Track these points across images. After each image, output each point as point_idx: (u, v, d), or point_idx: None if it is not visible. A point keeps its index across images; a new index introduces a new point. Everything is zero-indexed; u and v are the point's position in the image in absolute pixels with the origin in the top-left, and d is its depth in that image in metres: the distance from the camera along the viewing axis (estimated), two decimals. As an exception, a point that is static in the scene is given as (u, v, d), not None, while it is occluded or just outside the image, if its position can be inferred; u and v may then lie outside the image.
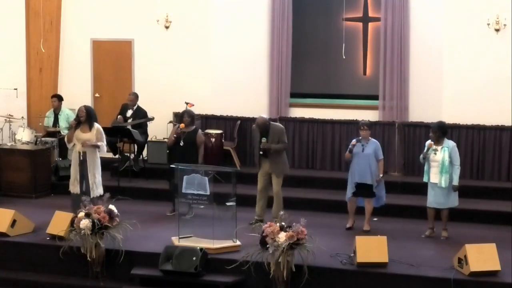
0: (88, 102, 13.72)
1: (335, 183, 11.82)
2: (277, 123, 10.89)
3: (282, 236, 8.39)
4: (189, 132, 10.84)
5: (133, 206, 11.22)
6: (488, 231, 10.31)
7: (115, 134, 12.38)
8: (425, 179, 10.10)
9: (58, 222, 9.71)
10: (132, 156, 12.95)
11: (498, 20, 12.27)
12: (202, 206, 9.73)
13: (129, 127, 12.68)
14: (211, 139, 12.60)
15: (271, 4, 13.53)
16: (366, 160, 10.17)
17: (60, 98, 13.55)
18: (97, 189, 10.28)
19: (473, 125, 12.44)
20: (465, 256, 8.45)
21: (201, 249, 8.92)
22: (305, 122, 13.23)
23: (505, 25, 12.27)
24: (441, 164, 9.86)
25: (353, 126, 12.57)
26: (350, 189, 10.30)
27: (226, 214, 9.35)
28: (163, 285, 8.98)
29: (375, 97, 13.21)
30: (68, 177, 10.72)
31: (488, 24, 12.28)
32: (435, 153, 9.93)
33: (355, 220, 10.41)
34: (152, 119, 13.02)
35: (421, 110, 12.82)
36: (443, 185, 9.84)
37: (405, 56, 12.96)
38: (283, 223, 8.54)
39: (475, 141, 12.43)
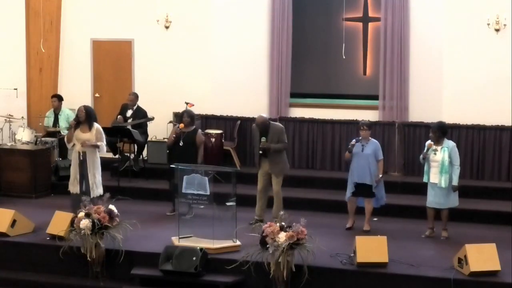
0: (88, 102, 13.73)
1: (335, 183, 11.81)
2: (277, 123, 10.88)
3: (282, 236, 8.39)
4: (188, 132, 10.84)
5: (133, 206, 11.23)
6: (488, 231, 10.31)
7: (115, 134, 12.38)
8: (425, 179, 10.10)
9: (58, 222, 9.71)
10: (132, 156, 12.95)
11: (498, 20, 12.27)
12: (202, 206, 9.73)
13: (129, 127, 12.68)
14: (211, 139, 12.60)
15: (271, 4, 13.53)
16: (365, 160, 10.17)
17: (60, 98, 13.55)
18: (97, 189, 10.28)
19: (473, 125, 12.44)
20: (465, 256, 8.45)
21: (201, 249, 8.92)
22: (305, 122, 13.23)
23: (505, 25, 12.27)
24: (441, 164, 9.86)
25: (353, 126, 12.58)
26: (349, 189, 10.30)
27: (226, 214, 9.35)
28: (163, 285, 8.98)
29: (375, 97, 13.21)
30: (68, 177, 10.72)
31: (488, 24, 12.29)
32: (435, 153, 9.93)
33: (355, 220, 10.41)
34: (152, 119, 13.02)
35: (421, 110, 12.82)
36: (443, 185, 9.85)
37: (405, 56, 12.96)
38: (283, 223, 8.54)
39: (475, 141, 12.43)
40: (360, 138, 10.30)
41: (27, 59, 14.33)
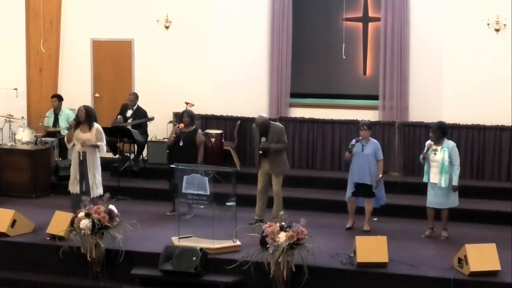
0: (88, 102, 13.72)
1: (335, 183, 11.81)
2: (277, 123, 10.87)
3: (282, 236, 8.39)
4: (188, 132, 10.83)
5: (133, 206, 11.23)
6: (488, 231, 10.31)
7: (115, 134, 12.38)
8: (425, 179, 10.10)
9: (58, 222, 9.71)
10: (132, 156, 12.95)
11: (498, 20, 12.27)
12: (202, 206, 9.72)
13: (129, 127, 12.68)
14: (211, 139, 12.59)
15: (271, 4, 13.54)
16: (365, 160, 10.17)
17: (60, 98, 13.55)
18: (97, 189, 10.28)
19: (473, 125, 12.44)
20: (465, 256, 8.45)
21: (201, 249, 8.91)
22: (305, 122, 13.23)
23: (505, 25, 12.27)
24: (441, 164, 9.86)
25: (353, 126, 12.58)
26: (349, 189, 10.30)
27: (226, 214, 9.35)
28: (163, 285, 8.98)
29: (375, 97, 13.21)
30: (68, 177, 10.71)
31: (488, 24, 12.29)
32: (435, 153, 9.92)
33: (355, 220, 10.41)
34: (152, 119, 13.02)
35: (421, 110, 12.82)
36: (442, 185, 9.84)
37: (405, 56, 12.96)
38: (283, 223, 8.53)
39: (475, 141, 12.42)
40: (360, 138, 10.30)
41: (27, 59, 14.33)
